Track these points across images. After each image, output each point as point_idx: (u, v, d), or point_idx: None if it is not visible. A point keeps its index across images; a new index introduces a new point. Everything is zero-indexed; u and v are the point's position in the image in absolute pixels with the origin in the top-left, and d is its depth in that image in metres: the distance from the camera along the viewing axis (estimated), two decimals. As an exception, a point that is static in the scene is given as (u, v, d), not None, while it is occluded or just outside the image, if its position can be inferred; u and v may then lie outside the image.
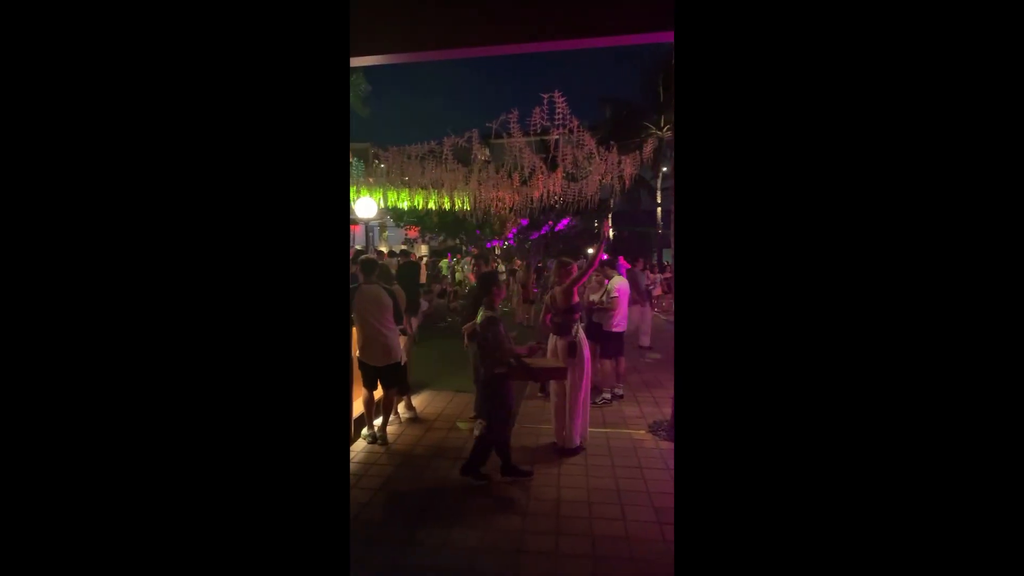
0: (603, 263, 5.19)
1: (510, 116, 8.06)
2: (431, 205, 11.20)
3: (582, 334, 3.90)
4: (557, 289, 3.91)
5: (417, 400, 4.88)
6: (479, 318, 3.32)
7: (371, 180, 10.86)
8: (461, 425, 4.34)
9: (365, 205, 7.32)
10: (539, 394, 5.11)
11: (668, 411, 4.45)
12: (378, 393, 4.06)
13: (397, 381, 4.06)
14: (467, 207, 11.26)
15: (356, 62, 2.83)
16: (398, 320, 3.96)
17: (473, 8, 2.56)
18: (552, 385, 3.93)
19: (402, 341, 4.43)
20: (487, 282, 3.44)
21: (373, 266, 4.04)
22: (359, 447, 3.89)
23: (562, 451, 3.75)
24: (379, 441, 3.92)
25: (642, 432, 4.22)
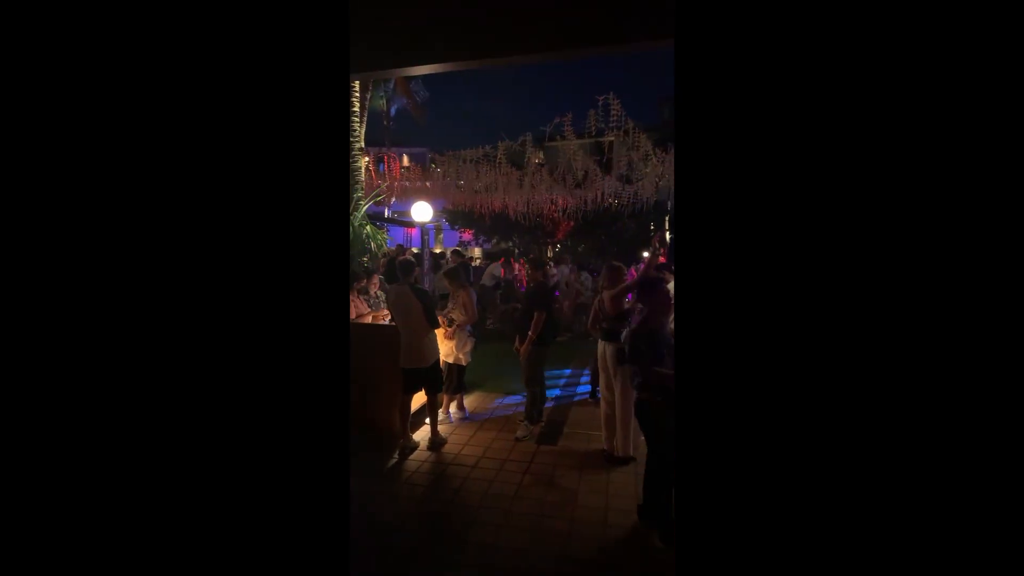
0: (660, 267, 5.07)
1: (564, 119, 8.05)
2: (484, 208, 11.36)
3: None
4: (606, 294, 3.86)
5: (468, 400, 4.95)
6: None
7: (428, 184, 11.14)
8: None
9: (421, 208, 7.54)
10: (590, 400, 5.05)
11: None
12: (421, 398, 4.07)
13: (437, 384, 4.04)
14: (520, 209, 11.33)
15: (408, 71, 2.95)
16: (432, 322, 3.88)
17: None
18: (602, 391, 3.88)
19: (468, 343, 4.50)
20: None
21: (410, 268, 3.99)
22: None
23: (612, 459, 3.69)
24: (431, 446, 3.95)
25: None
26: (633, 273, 4.16)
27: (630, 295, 3.85)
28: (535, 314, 4.14)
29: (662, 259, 5.59)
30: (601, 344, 3.86)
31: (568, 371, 6.24)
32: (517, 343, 4.32)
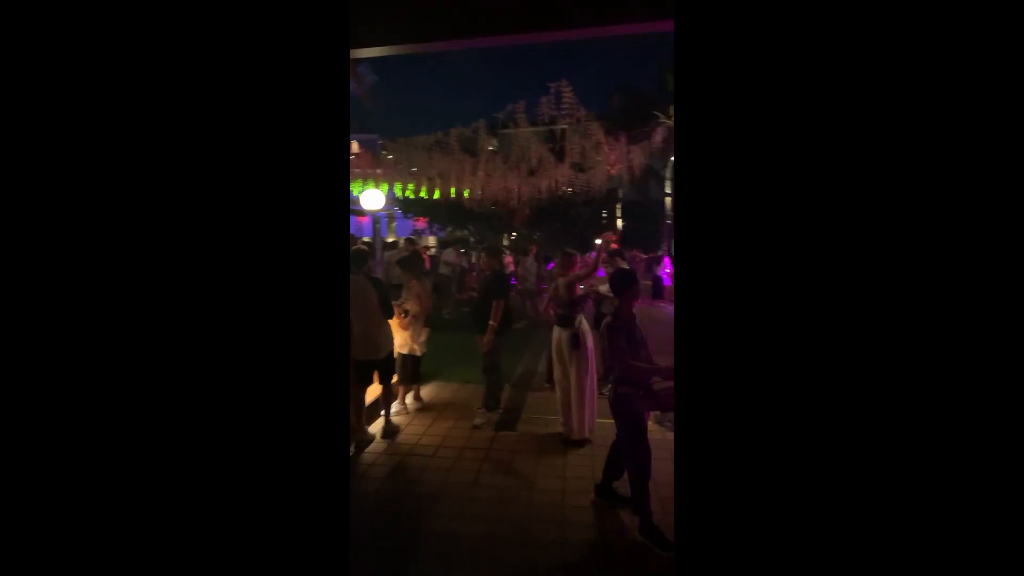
0: (612, 253, 5.17)
1: (516, 107, 8.02)
2: (437, 195, 11.20)
3: (585, 325, 3.90)
4: (561, 280, 3.90)
5: (424, 391, 4.91)
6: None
7: (379, 172, 10.86)
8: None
9: (371, 196, 7.34)
10: (545, 385, 5.12)
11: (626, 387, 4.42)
12: (376, 390, 4.03)
13: (391, 374, 4.02)
14: (474, 197, 11.25)
15: (356, 53, 2.82)
16: (388, 312, 3.84)
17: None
18: (557, 376, 3.94)
19: (423, 332, 4.45)
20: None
21: (364, 257, 3.92)
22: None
23: (568, 442, 3.77)
24: (385, 436, 3.93)
25: (649, 422, 4.22)
26: (586, 260, 4.21)
27: (580, 285, 3.93)
28: (493, 303, 4.14)
29: (614, 246, 5.70)
30: (556, 330, 3.91)
31: (524, 358, 6.30)
32: (479, 335, 4.31)
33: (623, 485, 2.82)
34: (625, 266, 5.11)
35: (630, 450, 2.65)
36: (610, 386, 2.76)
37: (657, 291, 10.92)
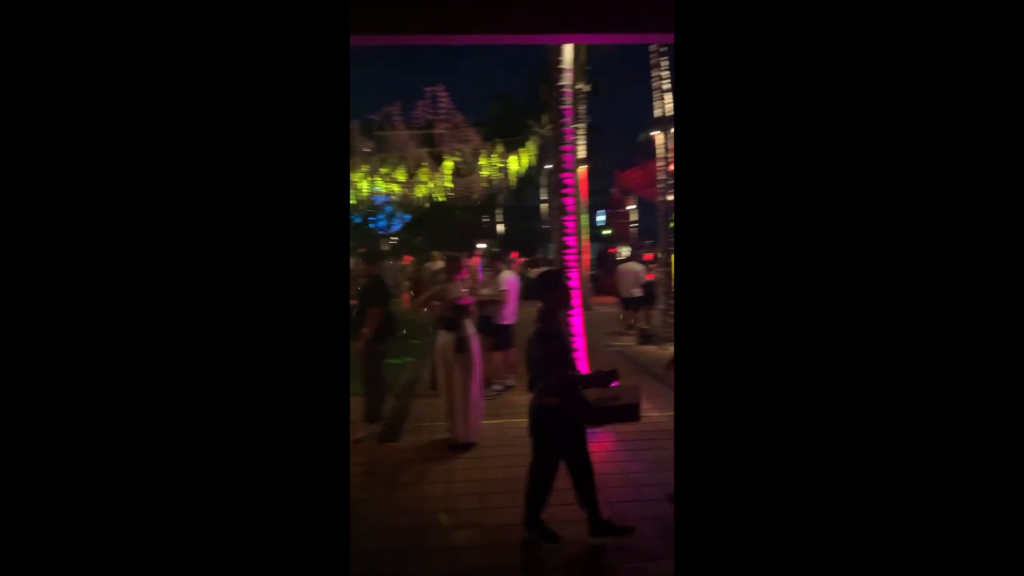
0: (492, 256, 5.27)
1: (392, 109, 7.84)
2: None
3: (471, 328, 3.92)
4: (447, 285, 3.89)
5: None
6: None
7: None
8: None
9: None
10: (430, 391, 5.05)
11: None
12: None
13: None
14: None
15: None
16: None
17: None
18: (441, 382, 3.91)
19: None
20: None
21: None
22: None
23: (456, 446, 3.76)
24: None
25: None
26: (471, 263, 4.24)
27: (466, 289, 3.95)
28: (369, 311, 3.98)
29: (495, 250, 5.83)
30: (441, 334, 3.88)
31: (408, 365, 6.15)
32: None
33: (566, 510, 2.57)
34: (507, 270, 5.24)
35: (542, 466, 2.47)
36: (535, 397, 2.50)
37: (531, 293, 11.39)
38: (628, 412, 2.50)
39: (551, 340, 2.42)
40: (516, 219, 24.43)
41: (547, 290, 2.51)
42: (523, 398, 4.87)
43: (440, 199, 11.18)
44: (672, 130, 9.89)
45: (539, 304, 2.53)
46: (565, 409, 2.39)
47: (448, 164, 10.04)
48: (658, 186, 9.78)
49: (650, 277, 8.19)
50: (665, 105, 9.53)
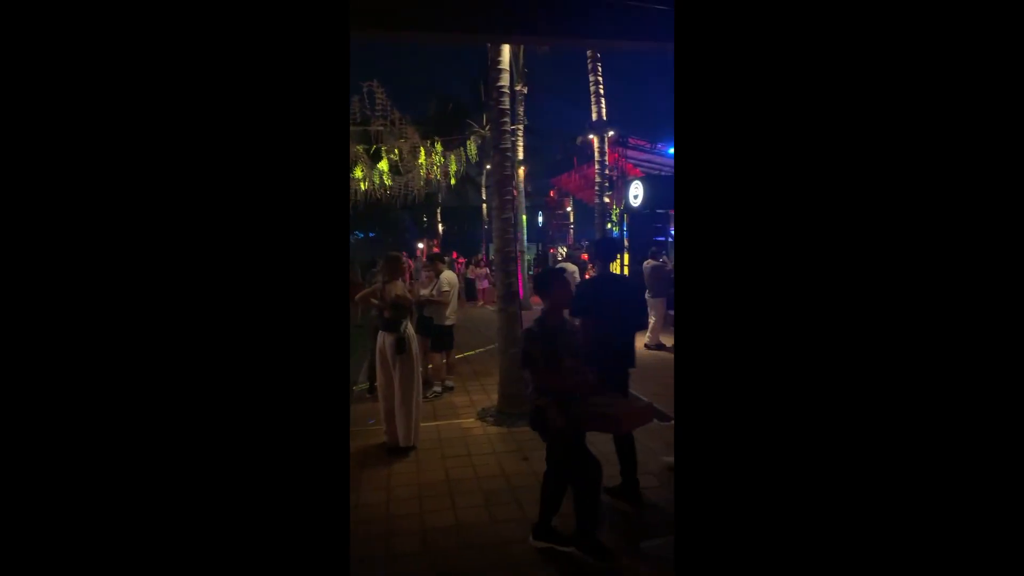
0: (432, 257, 5.20)
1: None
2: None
3: (411, 330, 3.85)
4: (387, 286, 3.79)
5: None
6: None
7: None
8: None
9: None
10: (367, 396, 4.91)
11: (495, 397, 4.65)
12: None
13: None
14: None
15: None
16: None
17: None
18: (380, 385, 3.81)
19: None
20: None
21: None
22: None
23: (393, 451, 3.67)
24: None
25: (471, 420, 4.35)
26: (411, 264, 4.16)
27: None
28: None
29: (436, 249, 5.76)
30: (381, 335, 3.78)
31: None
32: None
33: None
34: (447, 270, 5.18)
35: (563, 466, 2.40)
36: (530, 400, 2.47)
37: (471, 293, 11.50)
38: (609, 423, 2.43)
39: (535, 342, 2.36)
40: (455, 219, 24.27)
41: (548, 288, 2.45)
42: (463, 399, 4.86)
43: (376, 197, 10.90)
44: (606, 134, 10.22)
45: (539, 302, 2.52)
46: (559, 410, 2.29)
47: (384, 162, 9.80)
48: (595, 189, 10.07)
49: (587, 276, 8.42)
50: (602, 109, 9.82)
